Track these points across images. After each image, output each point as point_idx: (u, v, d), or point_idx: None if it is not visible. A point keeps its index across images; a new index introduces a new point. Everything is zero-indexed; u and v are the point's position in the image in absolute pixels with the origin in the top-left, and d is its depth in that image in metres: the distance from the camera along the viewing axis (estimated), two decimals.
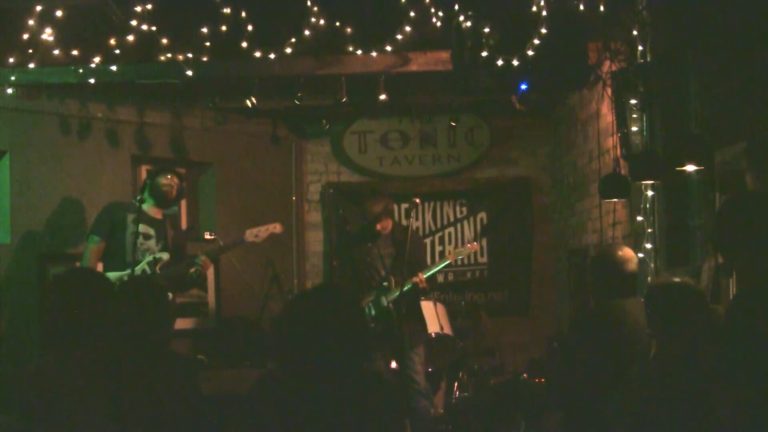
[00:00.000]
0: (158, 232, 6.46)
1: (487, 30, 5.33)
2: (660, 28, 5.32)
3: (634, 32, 5.48)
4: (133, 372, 3.68)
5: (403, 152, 9.09)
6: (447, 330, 7.20)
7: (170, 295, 4.98)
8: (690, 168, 4.67)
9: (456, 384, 7.21)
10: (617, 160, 5.81)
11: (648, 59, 5.40)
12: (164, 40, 5.82)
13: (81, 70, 6.10)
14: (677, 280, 3.75)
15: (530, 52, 5.28)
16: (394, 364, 6.84)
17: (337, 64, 6.19)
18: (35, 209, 6.96)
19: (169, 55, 5.89)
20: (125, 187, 7.47)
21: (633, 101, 5.49)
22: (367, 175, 9.11)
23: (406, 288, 6.68)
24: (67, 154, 7.19)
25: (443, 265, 7.11)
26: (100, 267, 6.37)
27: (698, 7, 4.76)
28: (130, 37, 5.75)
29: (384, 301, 6.77)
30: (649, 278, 5.28)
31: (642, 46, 5.42)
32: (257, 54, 5.89)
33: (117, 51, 5.88)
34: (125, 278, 6.06)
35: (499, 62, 5.32)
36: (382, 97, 6.43)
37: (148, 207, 6.38)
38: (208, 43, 5.84)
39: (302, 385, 2.81)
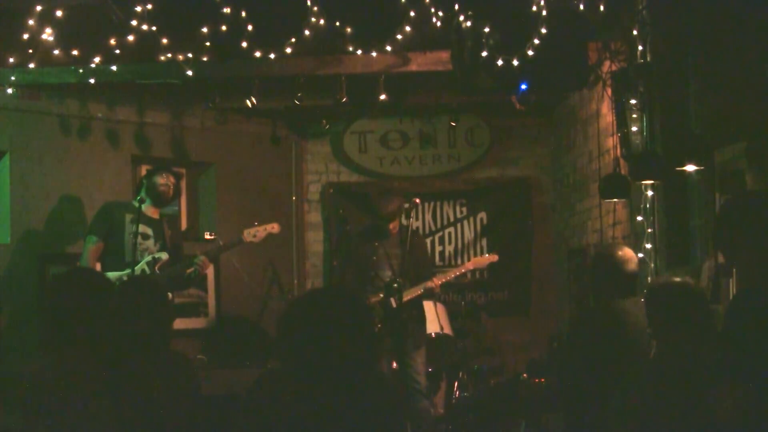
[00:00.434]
0: (156, 232, 6.46)
1: (487, 30, 5.33)
2: (660, 28, 5.32)
3: (634, 32, 5.48)
4: (133, 372, 3.68)
5: (403, 152, 9.09)
6: (447, 330, 7.20)
7: (170, 295, 4.98)
8: (690, 168, 4.67)
9: (456, 384, 7.21)
10: (617, 160, 5.81)
11: (648, 59, 5.40)
12: (164, 40, 5.82)
13: (81, 70, 6.10)
14: (677, 280, 3.74)
15: (530, 52, 5.28)
16: (394, 365, 6.82)
17: (337, 64, 6.19)
18: (35, 209, 6.96)
19: (169, 55, 5.89)
20: (125, 187, 7.47)
21: (633, 101, 5.49)
22: (367, 175, 9.11)
23: (420, 292, 6.66)
24: (67, 154, 7.19)
25: (462, 273, 7.06)
26: (99, 267, 6.37)
27: (698, 7, 4.76)
28: (130, 37, 5.75)
29: (392, 302, 6.71)
30: (649, 278, 5.28)
31: (642, 46, 5.42)
32: (257, 54, 5.89)
33: (117, 51, 5.88)
34: (125, 278, 6.06)
35: (499, 62, 5.32)
36: (382, 97, 6.43)
37: (145, 207, 6.37)
38: (208, 43, 5.84)
39: (303, 385, 2.81)
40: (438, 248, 9.00)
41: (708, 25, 4.67)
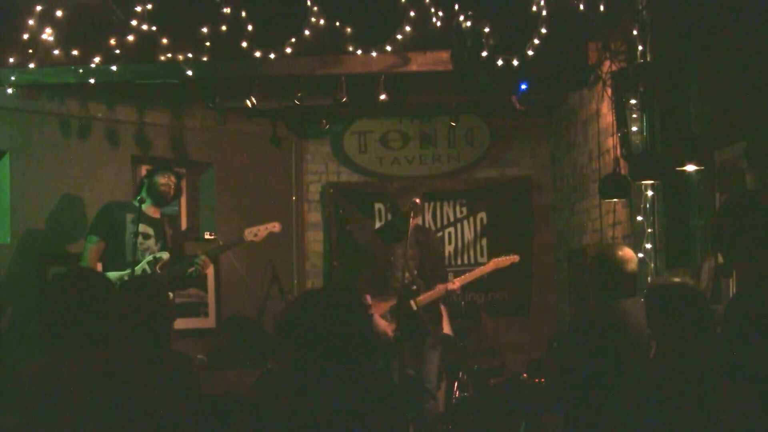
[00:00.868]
0: (157, 232, 6.46)
1: (487, 30, 5.33)
2: (660, 28, 5.32)
3: (634, 32, 5.48)
4: (133, 372, 3.68)
5: (403, 152, 9.09)
6: (447, 330, 7.19)
7: (170, 294, 4.98)
8: (690, 168, 4.67)
9: (456, 384, 7.20)
10: (617, 160, 5.81)
11: (648, 59, 5.40)
12: (164, 40, 5.82)
13: (81, 70, 6.09)
14: (677, 280, 3.74)
15: (530, 52, 5.28)
16: (411, 372, 6.79)
17: (337, 64, 6.19)
18: (35, 209, 6.96)
19: (169, 55, 5.89)
20: (125, 187, 7.47)
21: (633, 101, 5.49)
22: (367, 175, 9.11)
23: (441, 294, 6.65)
24: (67, 154, 7.20)
25: (483, 274, 6.99)
26: (99, 267, 6.37)
27: (698, 7, 4.76)
28: (130, 37, 5.75)
29: (413, 305, 6.68)
30: (649, 278, 5.28)
31: (642, 46, 5.42)
32: (257, 54, 5.88)
33: (117, 51, 5.88)
34: (125, 278, 6.06)
35: (499, 62, 5.31)
36: (382, 97, 6.43)
37: (146, 206, 6.37)
38: (208, 43, 5.84)
39: (303, 386, 2.81)
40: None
41: (708, 25, 4.67)
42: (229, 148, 8.38)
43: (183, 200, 8.25)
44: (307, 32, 5.78)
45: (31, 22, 5.74)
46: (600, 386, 4.11)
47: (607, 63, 5.87)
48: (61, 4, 5.69)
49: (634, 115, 5.54)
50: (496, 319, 8.40)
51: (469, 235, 8.98)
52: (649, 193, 5.49)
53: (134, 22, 5.71)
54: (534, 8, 5.29)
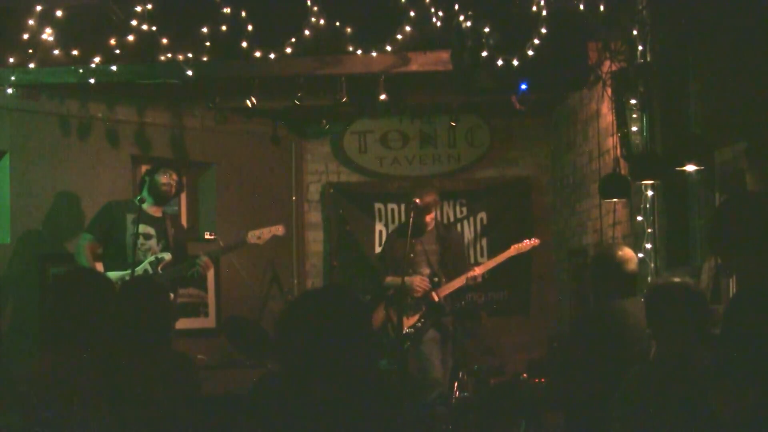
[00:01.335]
0: (159, 232, 6.45)
1: (487, 30, 5.33)
2: (660, 28, 5.32)
3: (634, 32, 5.48)
4: (133, 372, 3.68)
5: (403, 152, 9.09)
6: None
7: (171, 295, 4.98)
8: (690, 168, 4.67)
9: (456, 384, 7.20)
10: (617, 160, 5.81)
11: (648, 59, 5.40)
12: (164, 40, 5.82)
13: (81, 70, 6.10)
14: (677, 280, 3.74)
15: (530, 52, 5.28)
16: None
17: (337, 64, 6.19)
18: (35, 209, 6.96)
19: (169, 55, 5.89)
20: (125, 187, 7.47)
21: (633, 101, 5.49)
22: (367, 175, 9.10)
23: (463, 283, 6.76)
24: (67, 154, 7.19)
25: (503, 260, 7.09)
26: (100, 267, 6.37)
27: (698, 7, 4.76)
28: (130, 37, 5.75)
29: (434, 297, 6.78)
30: (649, 278, 5.28)
31: (642, 46, 5.42)
32: (257, 54, 5.89)
33: (117, 51, 5.88)
34: (126, 278, 6.05)
35: (499, 62, 5.32)
36: (382, 97, 6.43)
37: (147, 206, 6.37)
38: (208, 43, 5.84)
39: (303, 386, 2.80)
40: None
41: (708, 25, 4.67)
42: (229, 148, 8.38)
43: (183, 200, 8.25)
44: (307, 32, 5.78)
45: (31, 22, 5.74)
46: (600, 386, 4.11)
47: (607, 63, 5.87)
48: (61, 4, 5.69)
49: (634, 115, 5.55)
50: (496, 319, 8.40)
51: (469, 235, 8.97)
52: (649, 193, 5.49)
53: (134, 22, 5.71)
54: (534, 8, 5.29)
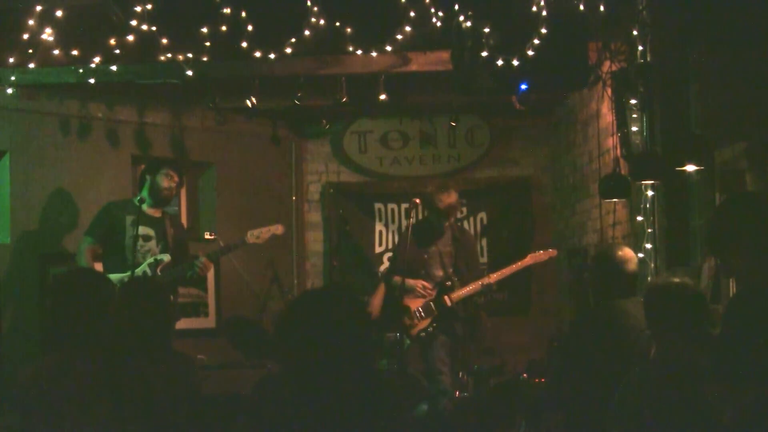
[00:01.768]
0: (158, 233, 6.43)
1: (487, 30, 5.32)
2: (660, 28, 5.32)
3: (634, 32, 5.48)
4: (133, 372, 3.68)
5: (403, 152, 9.09)
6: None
7: (171, 297, 4.97)
8: (690, 168, 4.67)
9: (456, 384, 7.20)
10: (617, 160, 5.81)
11: (648, 59, 5.40)
12: (164, 40, 5.82)
13: (81, 70, 6.10)
14: (676, 280, 3.74)
15: (530, 52, 5.28)
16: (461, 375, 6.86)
17: (337, 64, 6.19)
18: (35, 209, 6.96)
19: (169, 55, 5.88)
20: (125, 187, 7.46)
21: (633, 101, 5.48)
22: (367, 175, 9.11)
23: (478, 289, 6.73)
24: (67, 154, 7.19)
25: (519, 268, 7.00)
26: (99, 268, 6.36)
27: (698, 7, 4.76)
28: (130, 37, 5.74)
29: (447, 301, 6.73)
30: (649, 278, 5.28)
31: (642, 46, 5.42)
32: (257, 54, 5.88)
33: (117, 51, 5.88)
34: (126, 280, 6.04)
35: (499, 62, 5.31)
36: (382, 97, 6.43)
37: (146, 206, 6.36)
38: (208, 43, 5.83)
39: (304, 386, 2.80)
40: None
41: (708, 25, 4.67)
42: (229, 148, 8.38)
43: (183, 200, 8.25)
44: (307, 32, 5.78)
45: (31, 22, 5.73)
46: (600, 386, 4.11)
47: (607, 63, 5.87)
48: (61, 4, 5.68)
49: (634, 115, 5.54)
50: (496, 319, 8.39)
51: None
52: (649, 193, 5.49)
53: (134, 22, 5.70)
54: (534, 8, 5.29)
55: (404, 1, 5.67)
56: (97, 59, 6.00)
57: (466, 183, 9.05)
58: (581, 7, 5.32)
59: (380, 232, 8.97)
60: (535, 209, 9.02)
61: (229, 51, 5.91)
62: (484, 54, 5.33)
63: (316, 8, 5.73)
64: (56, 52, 5.84)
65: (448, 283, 6.79)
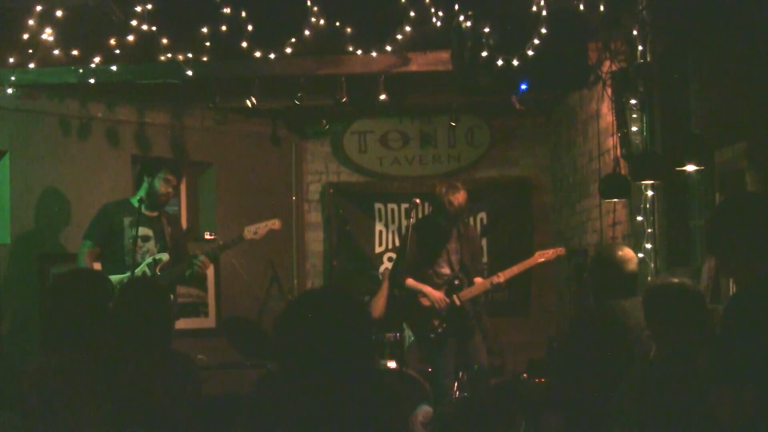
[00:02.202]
0: (156, 233, 6.42)
1: (487, 30, 5.33)
2: (660, 28, 5.32)
3: (634, 32, 5.48)
4: (133, 372, 3.68)
5: (403, 152, 9.09)
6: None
7: (171, 296, 4.97)
8: (690, 168, 4.67)
9: (456, 384, 7.20)
10: (617, 160, 5.81)
11: (648, 59, 5.40)
12: (164, 40, 5.82)
13: (81, 70, 6.10)
14: (675, 280, 3.74)
15: (530, 52, 5.28)
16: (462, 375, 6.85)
17: (337, 64, 6.19)
18: (35, 209, 6.96)
19: (169, 55, 5.88)
20: (125, 187, 7.46)
21: (633, 101, 5.48)
22: (367, 175, 9.11)
23: (488, 289, 6.75)
24: (67, 154, 7.19)
25: (529, 267, 6.99)
26: (98, 268, 6.36)
27: (698, 7, 4.76)
28: (130, 37, 5.75)
29: (456, 300, 6.73)
30: (649, 278, 5.28)
31: (642, 46, 5.42)
32: (257, 54, 5.88)
33: (117, 51, 5.88)
34: (125, 280, 6.04)
35: (499, 62, 5.32)
36: (382, 97, 6.43)
37: (143, 207, 6.34)
38: (208, 43, 5.83)
39: (303, 386, 2.81)
40: None
41: (708, 25, 4.67)
42: (229, 148, 8.38)
43: (183, 200, 8.25)
44: (307, 32, 5.78)
45: (31, 22, 5.73)
46: (600, 386, 4.11)
47: (607, 63, 5.87)
48: (61, 4, 5.68)
49: (634, 115, 5.54)
50: (496, 319, 8.39)
51: None
52: (649, 193, 5.49)
53: (134, 22, 5.70)
54: (534, 8, 5.29)
55: (404, 1, 5.67)
56: (97, 59, 5.99)
57: (465, 183, 9.02)
58: (581, 7, 5.32)
59: (380, 232, 8.97)
60: (535, 209, 9.02)
61: (229, 51, 5.91)
62: (484, 54, 5.33)
63: (316, 8, 5.73)
64: (56, 52, 5.84)
65: (456, 281, 6.77)
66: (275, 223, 6.59)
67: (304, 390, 2.80)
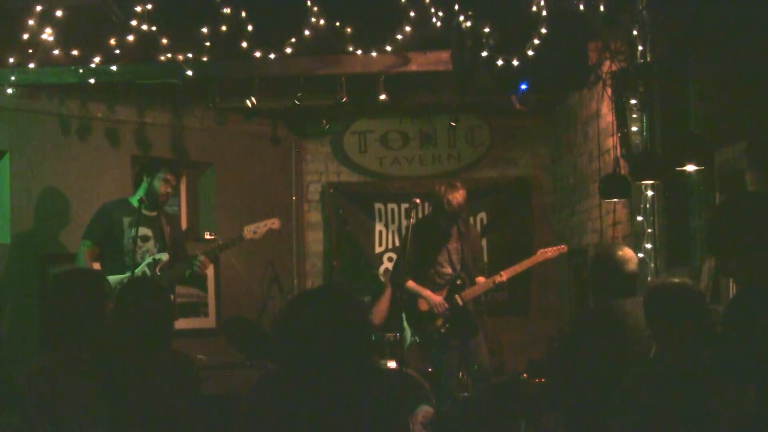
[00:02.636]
0: (155, 232, 6.41)
1: (487, 30, 5.33)
2: (660, 28, 5.32)
3: (634, 32, 5.48)
4: (133, 372, 3.68)
5: (403, 152, 9.09)
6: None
7: (171, 296, 4.97)
8: (690, 168, 4.67)
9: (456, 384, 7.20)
10: (617, 160, 5.81)
11: (648, 59, 5.40)
12: (164, 40, 5.81)
13: (81, 70, 6.09)
14: (675, 280, 3.74)
15: (530, 52, 5.28)
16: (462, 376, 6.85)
17: (337, 64, 6.19)
18: (35, 209, 6.96)
19: (169, 55, 5.88)
20: (125, 187, 7.45)
21: (633, 101, 5.49)
22: (367, 175, 9.11)
23: (490, 288, 6.74)
24: (67, 154, 7.19)
25: (531, 265, 6.97)
26: (98, 268, 6.35)
27: (698, 8, 4.76)
28: (130, 37, 5.74)
29: (458, 300, 6.73)
30: (649, 278, 5.28)
31: (642, 46, 5.43)
32: (257, 54, 5.88)
33: (117, 51, 5.88)
34: (125, 281, 6.03)
35: (499, 62, 5.31)
36: (382, 97, 6.43)
37: (143, 207, 6.33)
38: (208, 43, 5.83)
39: (302, 385, 2.80)
40: None
41: (708, 25, 4.67)
42: (229, 148, 8.38)
43: (183, 200, 8.25)
44: (307, 32, 5.77)
45: (31, 22, 5.72)
46: (600, 386, 4.11)
47: (607, 63, 5.88)
48: (61, 4, 5.68)
49: (634, 115, 5.54)
50: (496, 319, 8.40)
51: None
52: (649, 193, 5.49)
53: (134, 22, 5.70)
54: (534, 8, 5.29)
55: (404, 1, 5.67)
56: (97, 59, 5.99)
57: (466, 183, 9.02)
58: (581, 7, 5.33)
59: (380, 232, 8.97)
60: (535, 209, 9.02)
61: (229, 51, 5.90)
62: (484, 54, 5.33)
63: (316, 8, 5.72)
64: (56, 52, 5.83)
65: (459, 281, 6.77)
66: (275, 223, 6.58)
67: (302, 389, 2.80)
